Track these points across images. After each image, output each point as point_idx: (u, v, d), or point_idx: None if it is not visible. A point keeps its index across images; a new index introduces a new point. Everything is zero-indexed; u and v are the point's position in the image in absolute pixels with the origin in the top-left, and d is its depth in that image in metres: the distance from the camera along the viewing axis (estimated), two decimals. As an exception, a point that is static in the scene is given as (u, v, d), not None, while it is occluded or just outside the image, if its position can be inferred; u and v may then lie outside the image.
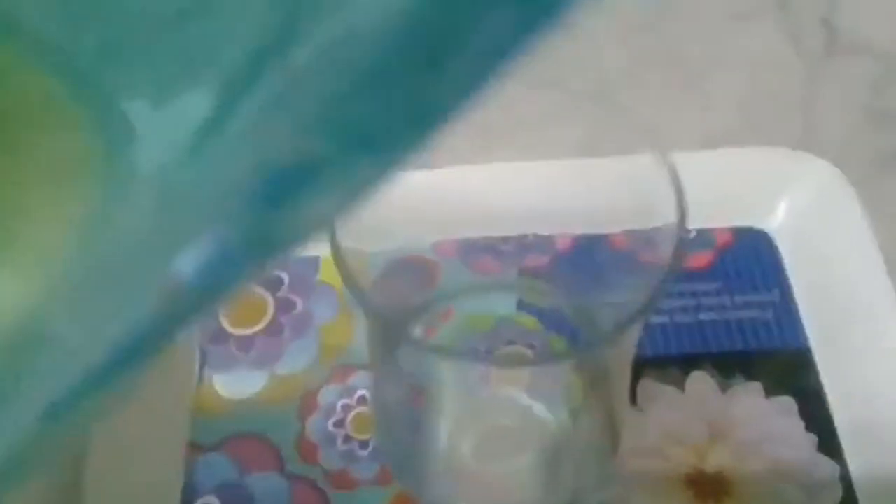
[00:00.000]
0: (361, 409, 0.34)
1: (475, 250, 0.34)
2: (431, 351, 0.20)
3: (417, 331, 0.31)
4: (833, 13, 0.48)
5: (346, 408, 0.35)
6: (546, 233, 0.33)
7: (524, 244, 0.34)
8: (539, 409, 0.29)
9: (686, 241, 0.20)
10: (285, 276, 0.38)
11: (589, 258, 0.34)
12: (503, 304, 0.33)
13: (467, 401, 0.29)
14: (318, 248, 0.39)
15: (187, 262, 0.10)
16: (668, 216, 0.29)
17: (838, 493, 0.33)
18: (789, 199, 0.40)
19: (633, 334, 0.25)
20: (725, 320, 0.37)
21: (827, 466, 0.33)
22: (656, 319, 0.37)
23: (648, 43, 0.47)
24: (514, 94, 0.25)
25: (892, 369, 0.35)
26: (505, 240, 0.34)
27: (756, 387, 0.35)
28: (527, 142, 0.30)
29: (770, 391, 0.35)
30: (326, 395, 0.35)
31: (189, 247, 0.10)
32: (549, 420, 0.29)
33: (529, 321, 0.33)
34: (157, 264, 0.11)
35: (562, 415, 0.29)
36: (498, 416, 0.29)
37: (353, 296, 0.21)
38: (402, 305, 0.32)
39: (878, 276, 0.37)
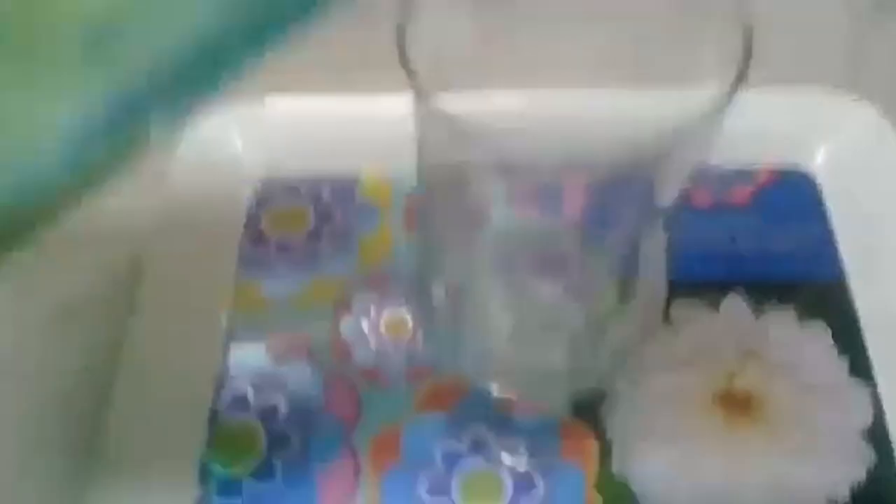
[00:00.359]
0: (395, 312, 0.35)
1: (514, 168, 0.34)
2: None
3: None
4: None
5: (380, 310, 0.35)
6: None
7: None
8: (574, 306, 0.29)
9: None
10: (327, 191, 0.39)
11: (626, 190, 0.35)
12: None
13: (510, 293, 0.29)
14: (360, 166, 0.40)
15: None
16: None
17: (869, 415, 0.32)
18: (832, 139, 0.40)
19: (660, 240, 0.25)
20: (763, 250, 0.37)
21: (858, 389, 0.33)
22: (691, 249, 0.37)
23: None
24: (564, 29, 0.26)
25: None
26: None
27: (790, 312, 0.35)
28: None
29: (803, 317, 0.35)
30: (361, 300, 0.36)
31: None
32: (580, 316, 0.29)
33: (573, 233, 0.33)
34: None
35: (595, 314, 0.30)
36: (536, 308, 0.29)
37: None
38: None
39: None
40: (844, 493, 0.31)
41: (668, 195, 0.25)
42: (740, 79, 0.20)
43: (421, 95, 0.20)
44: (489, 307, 0.29)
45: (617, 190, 0.26)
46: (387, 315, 0.35)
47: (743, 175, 0.39)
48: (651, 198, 0.25)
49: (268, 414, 0.33)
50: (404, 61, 0.19)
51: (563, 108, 0.30)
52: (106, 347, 0.35)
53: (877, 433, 0.32)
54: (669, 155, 0.20)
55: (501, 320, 0.29)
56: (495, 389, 0.26)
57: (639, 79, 0.27)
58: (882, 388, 0.33)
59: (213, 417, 0.33)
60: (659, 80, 0.27)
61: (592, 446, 0.32)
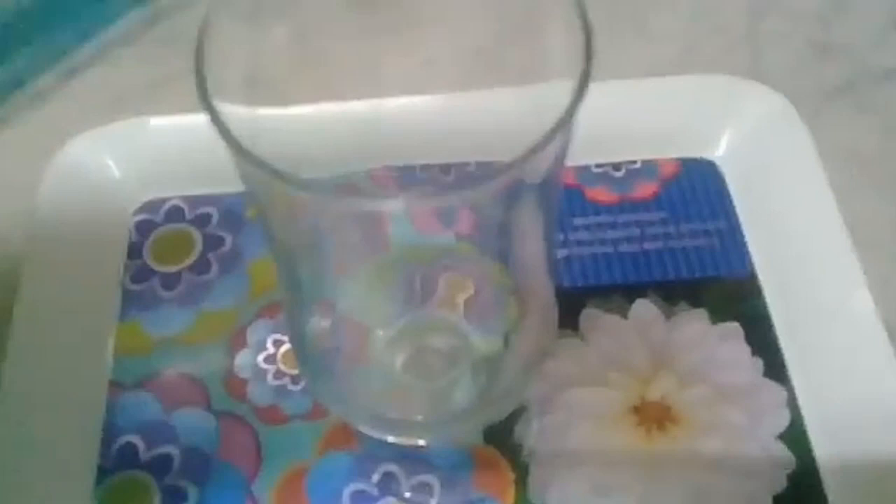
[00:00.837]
0: (293, 343, 0.33)
1: (414, 180, 0.33)
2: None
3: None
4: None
5: (277, 343, 0.33)
6: (487, 159, 0.32)
7: (464, 174, 0.32)
8: (472, 331, 0.28)
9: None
10: (214, 212, 0.36)
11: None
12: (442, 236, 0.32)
13: (400, 322, 0.28)
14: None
15: None
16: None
17: (785, 417, 0.32)
18: (735, 127, 0.39)
19: (551, 249, 0.24)
20: (671, 248, 0.36)
21: (773, 391, 0.32)
22: (600, 249, 0.36)
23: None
24: (456, 23, 0.24)
25: (840, 295, 0.34)
26: (444, 168, 0.32)
27: (701, 313, 0.34)
28: (467, 70, 0.28)
29: (716, 317, 0.34)
30: (256, 332, 0.33)
31: None
32: (481, 341, 0.27)
33: (467, 248, 0.32)
34: None
35: (494, 336, 0.28)
36: (432, 336, 0.28)
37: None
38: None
39: (823, 204, 0.36)
40: (766, 499, 0.30)
41: (547, 198, 0.23)
42: (585, 81, 0.19)
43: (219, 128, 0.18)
44: (379, 337, 0.28)
45: (501, 200, 0.25)
46: (285, 347, 0.33)
47: (647, 168, 0.38)
48: (535, 203, 0.23)
49: (160, 466, 0.30)
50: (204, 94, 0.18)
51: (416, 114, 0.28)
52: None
53: (795, 435, 0.31)
54: (531, 160, 0.18)
55: (395, 351, 0.27)
56: (391, 438, 0.24)
57: (490, 79, 0.26)
58: (798, 389, 0.32)
59: (101, 473, 0.31)
60: (510, 80, 0.25)
61: (507, 474, 0.30)
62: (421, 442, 0.25)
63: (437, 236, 0.32)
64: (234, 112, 0.21)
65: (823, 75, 0.42)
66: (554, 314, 0.27)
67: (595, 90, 0.40)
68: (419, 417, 0.25)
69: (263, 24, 0.23)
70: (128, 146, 0.37)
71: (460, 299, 0.29)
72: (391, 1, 0.25)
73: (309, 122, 0.28)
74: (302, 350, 0.28)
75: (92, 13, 0.12)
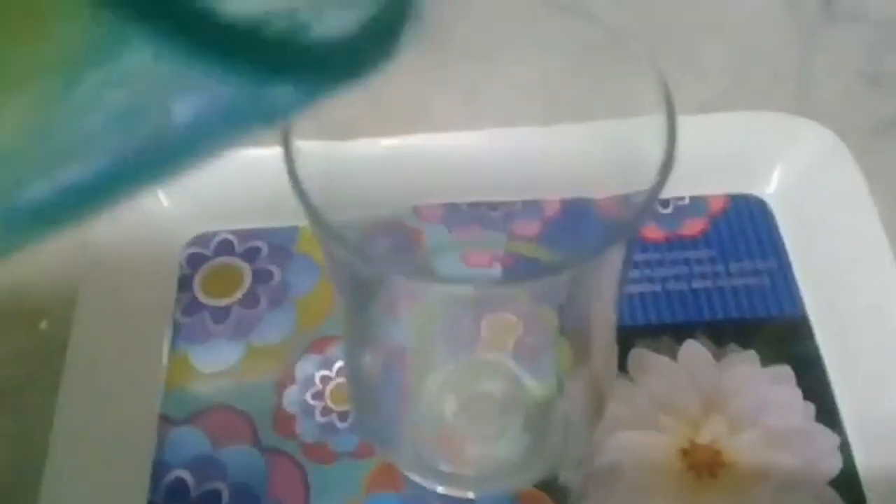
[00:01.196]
0: (340, 380, 0.33)
1: (461, 217, 0.33)
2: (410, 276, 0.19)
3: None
4: (829, -21, 0.47)
5: (325, 379, 0.33)
6: (533, 198, 0.32)
7: (512, 211, 0.32)
8: (524, 375, 0.28)
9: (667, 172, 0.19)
10: (263, 246, 0.37)
11: (577, 223, 0.33)
12: (489, 273, 0.32)
13: (451, 365, 0.28)
14: (297, 219, 0.38)
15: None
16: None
17: (838, 463, 0.31)
18: (785, 164, 0.38)
19: (613, 289, 0.23)
20: (719, 287, 0.35)
21: (826, 436, 0.32)
22: (648, 288, 0.36)
23: (641, 9, 0.46)
24: (506, 61, 0.24)
25: (892, 335, 0.33)
26: (492, 206, 0.32)
27: (751, 355, 0.34)
28: (516, 108, 0.28)
29: (766, 360, 0.33)
30: (304, 367, 0.34)
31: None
32: (533, 386, 0.27)
33: (516, 291, 0.32)
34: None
35: (547, 382, 0.28)
36: (482, 381, 0.28)
37: (323, 237, 0.20)
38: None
39: (876, 242, 0.35)
40: (817, 547, 0.30)
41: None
42: (664, 177, 0.19)
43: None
44: (430, 380, 0.28)
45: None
46: (333, 383, 0.33)
47: (695, 205, 0.38)
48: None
49: (209, 503, 0.31)
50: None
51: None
52: (33, 435, 0.32)
53: (846, 481, 0.31)
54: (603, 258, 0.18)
55: (446, 396, 0.27)
56: (441, 489, 0.24)
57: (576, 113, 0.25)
58: (850, 434, 0.32)
59: (152, 509, 0.31)
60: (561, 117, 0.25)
61: (555, 518, 0.30)
62: (470, 495, 0.25)
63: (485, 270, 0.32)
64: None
65: (874, 109, 0.42)
66: (614, 359, 0.27)
67: (640, 125, 0.40)
68: (469, 472, 0.25)
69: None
70: (180, 180, 0.37)
71: (510, 341, 0.29)
72: (440, 36, 0.25)
73: (357, 159, 0.28)
74: (356, 389, 0.28)
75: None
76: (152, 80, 0.11)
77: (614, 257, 0.19)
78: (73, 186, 0.13)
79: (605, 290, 0.22)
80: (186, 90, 0.12)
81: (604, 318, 0.25)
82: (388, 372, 0.27)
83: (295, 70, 0.12)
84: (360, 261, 0.17)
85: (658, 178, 0.17)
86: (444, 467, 0.25)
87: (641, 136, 0.21)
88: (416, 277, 0.18)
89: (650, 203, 0.17)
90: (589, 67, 0.23)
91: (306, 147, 0.24)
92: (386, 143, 0.27)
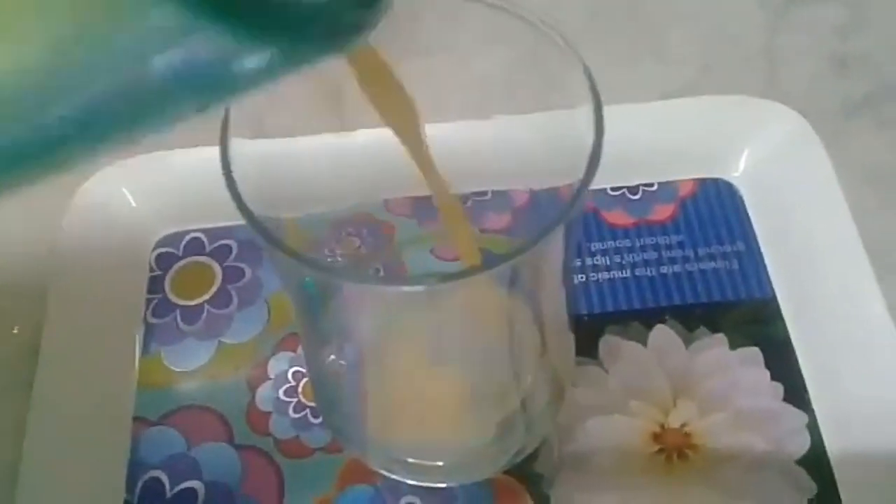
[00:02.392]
0: (313, 375, 0.33)
1: (431, 210, 0.33)
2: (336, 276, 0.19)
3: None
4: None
5: (298, 375, 0.33)
6: (503, 188, 0.32)
7: (482, 203, 0.33)
8: (482, 365, 0.28)
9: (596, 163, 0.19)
10: (233, 244, 0.37)
11: (545, 214, 0.33)
12: (455, 266, 0.32)
13: (409, 361, 0.28)
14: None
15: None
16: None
17: (806, 442, 0.32)
18: (753, 148, 0.38)
19: (557, 277, 0.23)
20: (689, 272, 0.36)
21: (793, 416, 0.32)
22: (618, 274, 0.36)
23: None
24: (469, 50, 0.24)
25: (860, 316, 0.34)
26: (463, 198, 0.32)
27: (720, 338, 0.34)
28: (481, 98, 0.29)
29: (735, 342, 0.34)
30: (277, 364, 0.34)
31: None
32: (492, 376, 0.27)
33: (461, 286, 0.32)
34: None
35: (505, 371, 0.28)
36: (442, 374, 0.28)
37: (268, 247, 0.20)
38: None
39: (843, 224, 0.36)
40: (787, 526, 0.30)
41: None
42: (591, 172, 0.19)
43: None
44: (390, 379, 0.28)
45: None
46: (306, 379, 0.33)
47: (664, 191, 0.38)
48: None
49: (185, 502, 0.31)
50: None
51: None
52: (7, 439, 0.32)
53: (815, 460, 0.31)
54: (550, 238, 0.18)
55: (406, 393, 0.27)
56: (411, 481, 0.25)
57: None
58: (818, 413, 0.32)
59: (127, 509, 0.31)
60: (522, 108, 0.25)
61: (529, 505, 0.30)
62: (442, 484, 0.25)
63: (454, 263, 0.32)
64: (248, 148, 0.22)
65: (842, 91, 0.42)
66: (570, 346, 0.27)
67: (611, 113, 0.40)
68: (437, 462, 0.25)
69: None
70: (147, 180, 0.37)
71: (466, 333, 0.29)
72: (399, 32, 0.25)
73: (324, 154, 0.28)
74: (317, 387, 0.28)
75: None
76: (143, 30, 0.11)
77: (553, 247, 0.19)
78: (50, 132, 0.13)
79: (548, 278, 0.22)
80: (169, 45, 0.12)
81: (553, 307, 0.25)
82: (346, 370, 0.27)
83: (279, 29, 0.12)
84: (301, 265, 0.17)
85: (586, 170, 0.18)
86: (412, 459, 0.25)
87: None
88: (356, 280, 0.18)
89: (580, 195, 0.18)
90: (528, 63, 0.23)
91: (262, 145, 0.24)
92: (353, 136, 0.27)
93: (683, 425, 0.32)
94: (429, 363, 0.24)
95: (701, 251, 0.36)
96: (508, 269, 0.18)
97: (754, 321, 0.34)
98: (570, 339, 0.27)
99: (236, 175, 0.19)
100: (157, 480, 0.31)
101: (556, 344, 0.26)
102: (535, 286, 0.22)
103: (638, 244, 0.37)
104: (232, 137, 0.21)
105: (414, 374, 0.25)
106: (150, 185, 0.37)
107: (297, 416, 0.32)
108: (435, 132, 0.29)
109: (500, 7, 0.22)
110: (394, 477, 0.25)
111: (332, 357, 0.26)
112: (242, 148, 0.22)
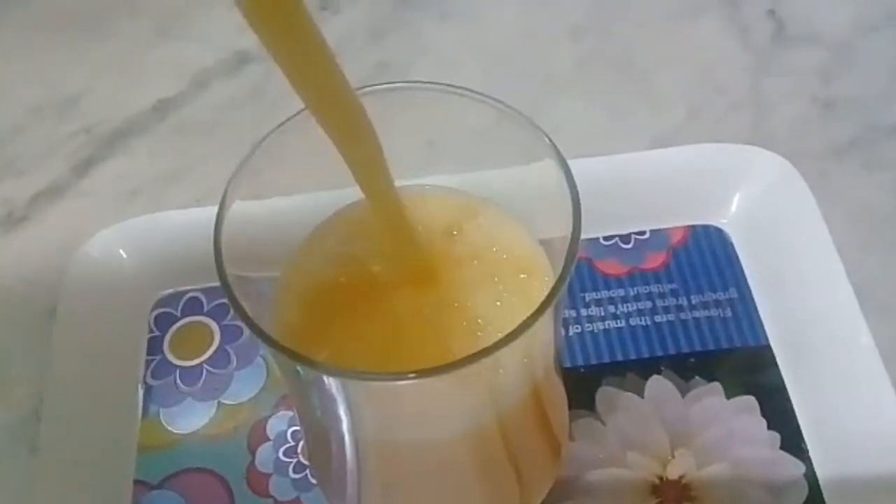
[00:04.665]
0: (312, 435, 0.33)
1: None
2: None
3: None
4: (778, 4, 0.47)
5: (297, 435, 0.34)
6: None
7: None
8: (472, 432, 0.27)
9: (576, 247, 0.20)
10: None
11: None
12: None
13: (396, 431, 0.27)
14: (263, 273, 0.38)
15: None
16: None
17: (804, 491, 0.32)
18: (741, 193, 0.39)
19: (548, 346, 0.24)
20: (682, 321, 0.36)
21: (791, 465, 0.32)
22: (613, 325, 0.36)
23: (597, 44, 0.47)
24: (460, 104, 0.25)
25: (853, 362, 0.34)
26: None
27: (716, 387, 0.34)
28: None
29: (731, 391, 0.34)
30: (276, 424, 0.34)
31: None
32: (483, 442, 0.27)
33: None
34: None
35: (495, 438, 0.28)
36: (430, 443, 0.27)
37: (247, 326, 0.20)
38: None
39: (833, 268, 0.36)
40: (788, 577, 0.30)
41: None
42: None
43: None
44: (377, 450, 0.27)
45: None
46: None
47: (656, 239, 0.38)
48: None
49: (187, 567, 0.31)
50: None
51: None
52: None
53: (814, 510, 0.31)
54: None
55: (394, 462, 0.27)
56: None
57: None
58: (815, 461, 0.32)
59: (130, 576, 0.31)
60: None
61: (530, 561, 0.31)
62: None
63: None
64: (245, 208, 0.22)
65: (829, 132, 0.42)
66: (563, 412, 0.28)
67: (601, 164, 0.40)
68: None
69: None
70: (144, 241, 0.38)
71: (455, 402, 0.29)
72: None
73: (313, 209, 0.28)
74: (309, 449, 0.28)
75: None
76: None
77: (543, 324, 0.20)
78: None
79: (539, 350, 0.22)
80: None
81: (544, 378, 0.25)
82: (333, 437, 0.27)
83: None
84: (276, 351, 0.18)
85: (564, 265, 0.18)
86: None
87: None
88: (330, 374, 0.19)
89: (560, 284, 0.18)
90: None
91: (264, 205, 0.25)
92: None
93: (682, 477, 0.32)
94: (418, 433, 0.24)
95: (694, 299, 0.37)
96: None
97: (749, 369, 0.35)
98: (564, 401, 0.27)
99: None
100: (160, 545, 0.31)
101: (550, 413, 0.26)
102: (526, 360, 0.22)
103: (632, 293, 0.37)
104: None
105: (402, 445, 0.24)
106: (147, 246, 0.38)
107: (297, 476, 0.33)
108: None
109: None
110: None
111: (316, 422, 0.25)
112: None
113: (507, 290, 0.24)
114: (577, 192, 0.21)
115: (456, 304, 0.24)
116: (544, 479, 0.28)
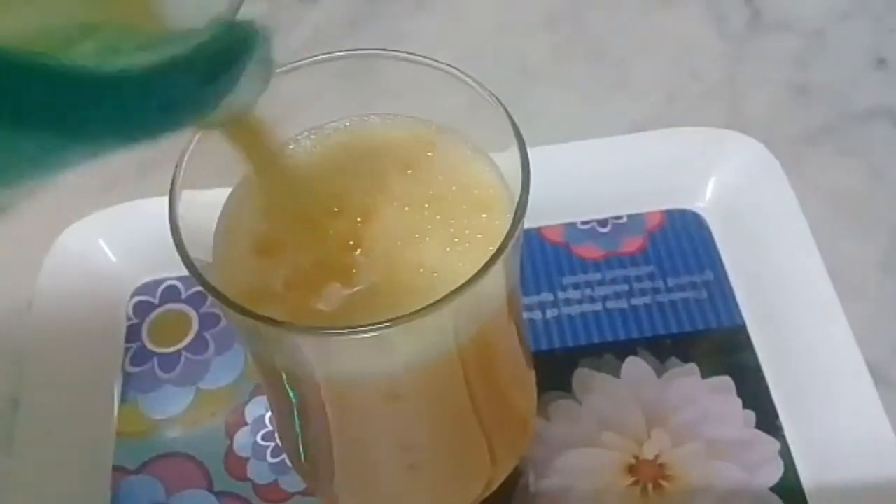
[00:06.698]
0: (290, 419, 0.33)
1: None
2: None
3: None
4: (754, -8, 0.48)
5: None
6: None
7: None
8: (440, 406, 0.27)
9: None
10: (209, 290, 0.37)
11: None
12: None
13: (368, 402, 0.27)
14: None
15: None
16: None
17: (779, 469, 0.32)
18: (717, 178, 0.39)
19: (504, 315, 0.23)
20: (659, 303, 0.36)
21: (766, 443, 0.32)
22: (590, 308, 0.36)
23: (573, 31, 0.47)
24: (442, 86, 0.25)
25: (827, 343, 0.34)
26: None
27: (692, 368, 0.34)
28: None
29: (706, 372, 0.34)
30: (254, 409, 0.34)
31: None
32: (451, 417, 0.27)
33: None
34: None
35: (465, 411, 0.27)
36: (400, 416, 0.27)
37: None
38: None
39: (807, 251, 0.36)
40: (763, 553, 0.31)
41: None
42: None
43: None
44: (349, 424, 0.27)
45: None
46: (282, 423, 0.33)
47: (633, 223, 0.39)
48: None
49: (165, 550, 0.31)
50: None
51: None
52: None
53: (788, 486, 0.32)
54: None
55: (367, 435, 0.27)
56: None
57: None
58: (790, 439, 0.32)
59: (108, 560, 0.31)
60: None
61: (506, 541, 0.31)
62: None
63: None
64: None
65: (804, 118, 0.43)
66: (531, 388, 0.28)
67: (578, 149, 0.40)
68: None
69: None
70: (122, 229, 0.38)
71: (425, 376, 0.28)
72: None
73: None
74: (281, 434, 0.28)
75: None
76: None
77: (493, 281, 0.20)
78: None
79: (498, 315, 0.22)
80: None
81: (505, 347, 0.25)
82: (305, 420, 0.27)
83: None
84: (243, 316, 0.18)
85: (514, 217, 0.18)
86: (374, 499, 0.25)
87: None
88: (302, 332, 0.19)
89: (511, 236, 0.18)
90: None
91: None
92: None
93: (657, 456, 0.32)
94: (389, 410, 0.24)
95: (671, 282, 0.37)
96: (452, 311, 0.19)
97: (725, 350, 0.35)
98: (531, 376, 0.27)
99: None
100: (138, 530, 0.32)
101: (513, 386, 0.26)
102: (483, 320, 0.22)
103: (609, 277, 0.37)
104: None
105: (373, 417, 0.24)
106: (126, 235, 0.38)
107: (274, 460, 0.33)
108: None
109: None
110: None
111: (287, 402, 0.25)
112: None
113: (458, 235, 0.23)
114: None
115: (405, 253, 0.23)
116: (511, 456, 0.28)
